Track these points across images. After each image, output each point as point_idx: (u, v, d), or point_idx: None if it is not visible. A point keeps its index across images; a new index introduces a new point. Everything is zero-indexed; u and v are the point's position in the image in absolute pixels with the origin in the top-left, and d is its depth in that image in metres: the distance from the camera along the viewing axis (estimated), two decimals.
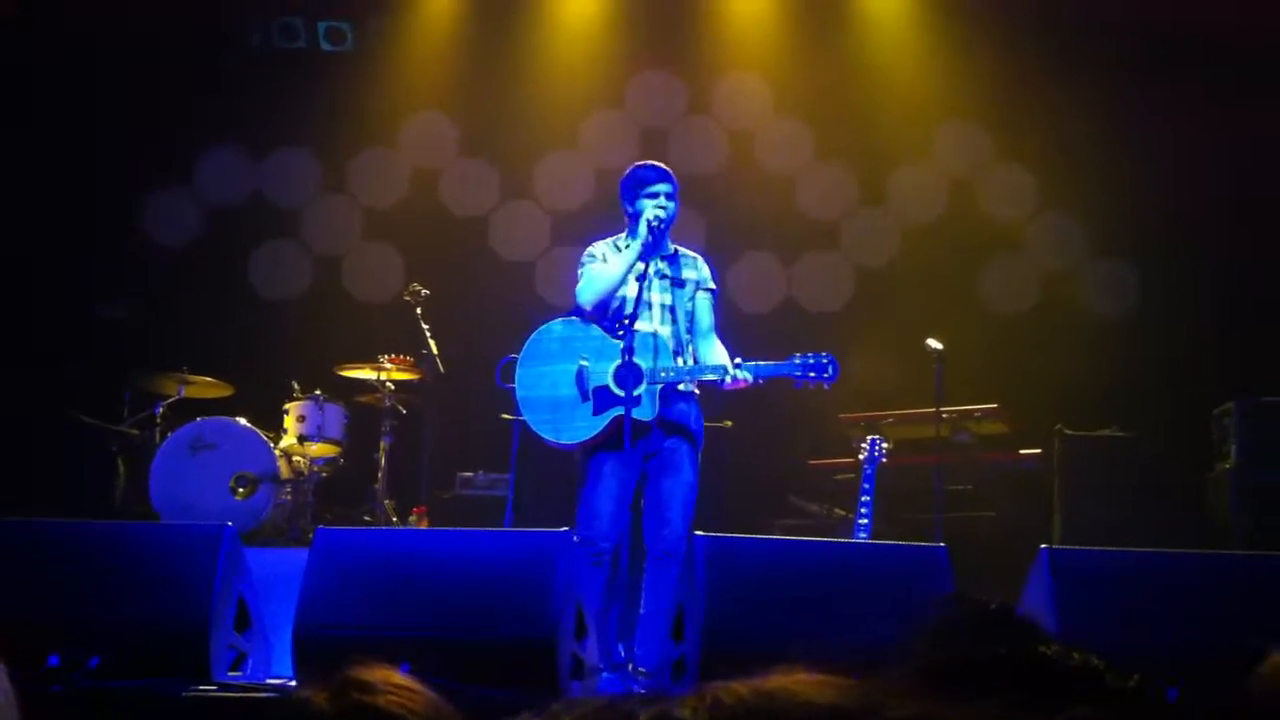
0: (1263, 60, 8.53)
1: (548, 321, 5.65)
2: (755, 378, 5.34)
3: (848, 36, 9.49)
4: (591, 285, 5.49)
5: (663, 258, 5.57)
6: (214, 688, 4.48)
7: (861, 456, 6.61)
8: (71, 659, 4.39)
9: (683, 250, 5.69)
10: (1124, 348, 8.45)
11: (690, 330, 5.54)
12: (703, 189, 9.20)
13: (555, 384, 5.47)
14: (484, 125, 9.57)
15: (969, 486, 7.64)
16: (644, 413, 5.29)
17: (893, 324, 8.40)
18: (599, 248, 5.66)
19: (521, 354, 5.59)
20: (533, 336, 5.59)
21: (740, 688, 0.76)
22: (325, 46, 9.51)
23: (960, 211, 9.19)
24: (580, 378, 5.43)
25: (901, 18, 9.39)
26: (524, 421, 5.58)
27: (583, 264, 5.62)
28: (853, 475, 6.79)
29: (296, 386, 7.88)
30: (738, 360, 5.40)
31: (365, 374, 7.86)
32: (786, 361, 5.36)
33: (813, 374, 5.35)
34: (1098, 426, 7.74)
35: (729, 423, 7.44)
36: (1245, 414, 7.25)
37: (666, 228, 5.56)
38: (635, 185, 5.62)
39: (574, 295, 5.60)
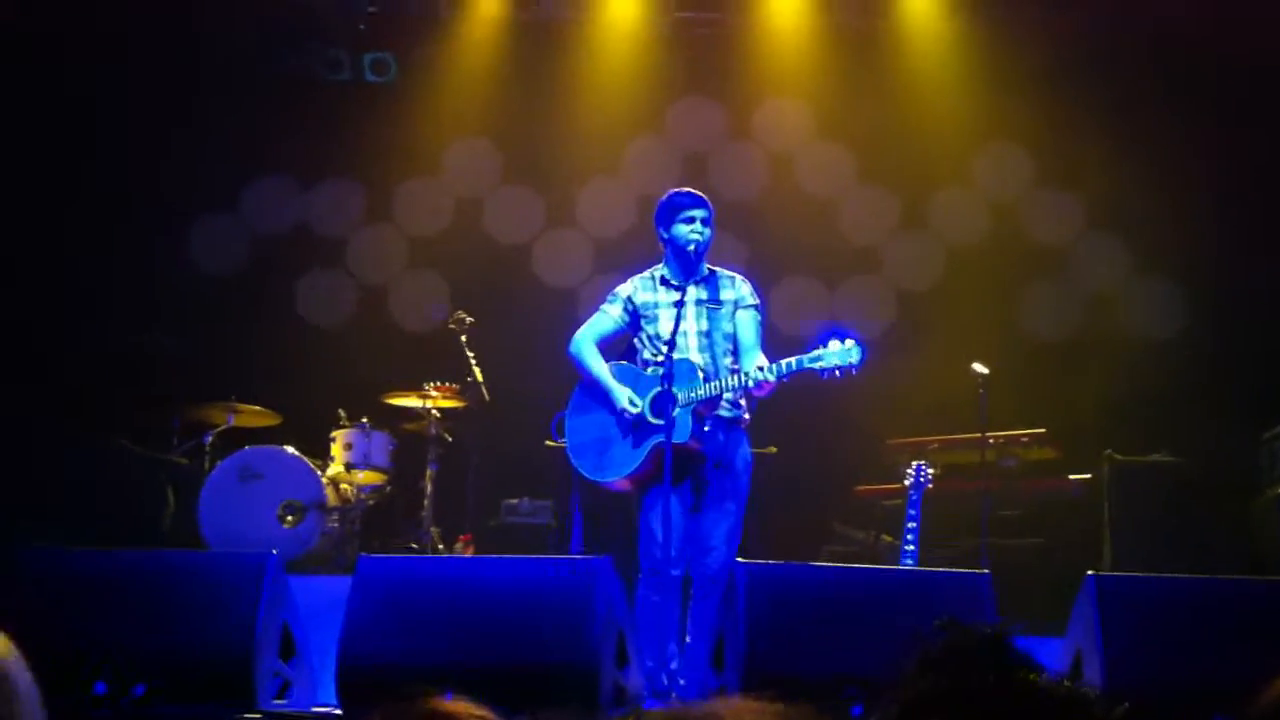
0: None
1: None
2: (779, 378, 5.20)
3: (888, 59, 9.48)
4: (580, 358, 5.58)
5: (698, 282, 5.54)
6: (259, 716, 4.51)
7: (907, 482, 6.56)
8: (117, 687, 4.43)
9: (720, 271, 5.66)
10: (1172, 371, 8.35)
11: (733, 352, 5.48)
12: (744, 213, 9.21)
13: (601, 426, 5.53)
14: (527, 153, 9.63)
15: (1017, 512, 7.58)
16: (680, 435, 5.24)
17: (937, 348, 8.35)
18: (626, 288, 5.67)
19: (568, 406, 5.67)
20: (576, 389, 5.66)
21: (662, 713, 0.77)
22: (370, 78, 9.61)
23: (1003, 235, 9.14)
24: (621, 417, 5.47)
25: (942, 40, 9.37)
26: (581, 474, 5.64)
27: (604, 302, 5.68)
28: (899, 501, 6.74)
29: (343, 414, 7.94)
30: (760, 364, 5.29)
31: (411, 402, 7.90)
32: (810, 354, 5.19)
33: (838, 362, 5.15)
34: (1147, 451, 7.66)
35: (774, 449, 7.43)
36: None
37: (703, 252, 5.53)
38: (671, 211, 5.62)
39: (573, 338, 5.67)
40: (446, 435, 7.90)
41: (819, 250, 9.34)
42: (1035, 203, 9.15)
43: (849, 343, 5.16)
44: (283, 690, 4.84)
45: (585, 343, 5.60)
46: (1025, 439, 7.63)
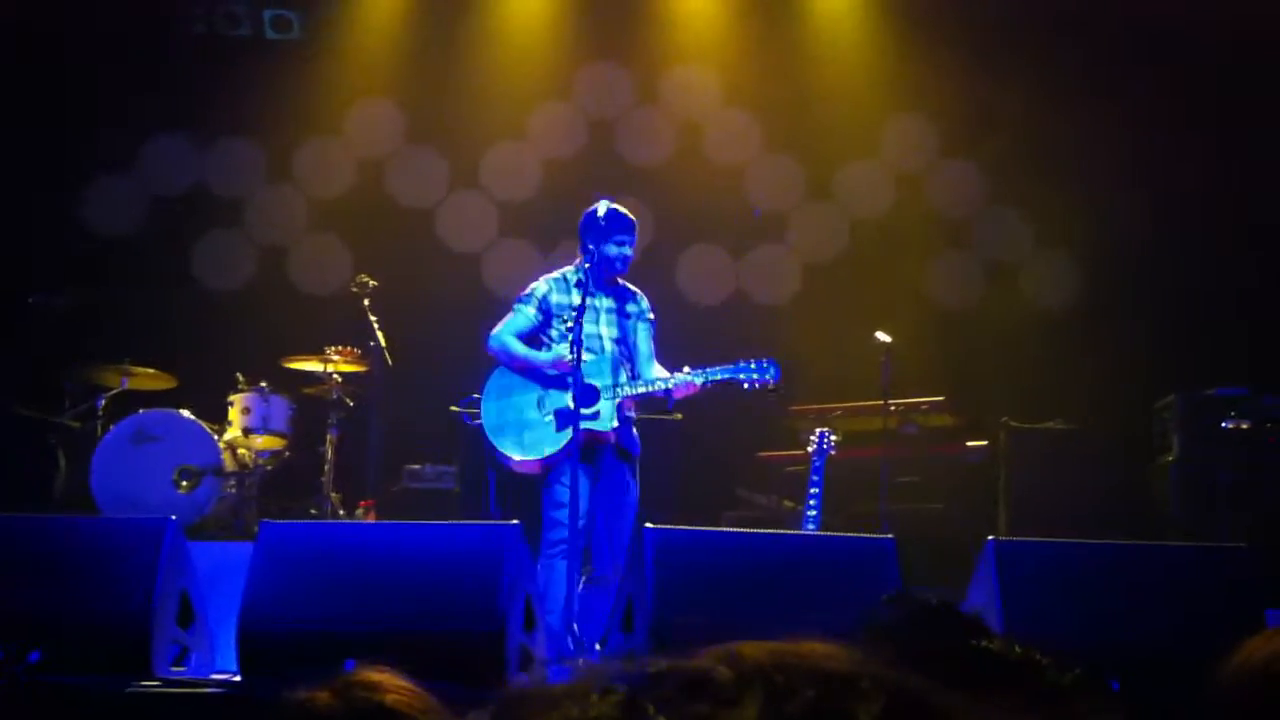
0: (1211, 50, 8.64)
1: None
2: (703, 383, 5.72)
3: (796, 29, 9.52)
4: (506, 349, 5.92)
5: (608, 293, 5.97)
6: (157, 682, 4.43)
7: (810, 449, 6.64)
8: (11, 653, 4.31)
9: (625, 285, 6.06)
10: (1069, 341, 8.55)
11: (634, 361, 5.93)
12: (651, 181, 9.20)
13: (520, 409, 5.88)
14: (431, 115, 9.51)
15: (916, 478, 7.71)
16: (604, 424, 5.69)
17: (841, 317, 8.44)
18: (540, 288, 5.99)
19: (485, 390, 5.98)
20: (494, 373, 5.99)
21: (756, 647, 0.76)
22: (271, 34, 9.40)
23: (907, 206, 9.25)
24: (541, 403, 5.85)
25: (850, 11, 9.43)
26: (497, 452, 5.93)
27: (518, 302, 6.02)
28: (802, 467, 6.81)
29: (241, 378, 7.78)
30: (685, 368, 5.77)
31: (312, 366, 7.77)
32: (732, 365, 5.73)
33: (756, 376, 5.72)
34: (1043, 419, 7.82)
35: (679, 415, 7.45)
36: (1187, 407, 7.36)
37: (625, 271, 5.97)
38: (604, 229, 5.85)
39: (492, 333, 5.98)
40: (348, 400, 7.79)
41: (725, 218, 9.37)
42: (939, 175, 9.27)
43: (766, 361, 5.76)
44: (181, 657, 4.76)
45: (505, 336, 5.93)
46: (925, 406, 7.75)
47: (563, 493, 5.64)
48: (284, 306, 8.94)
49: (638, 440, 5.94)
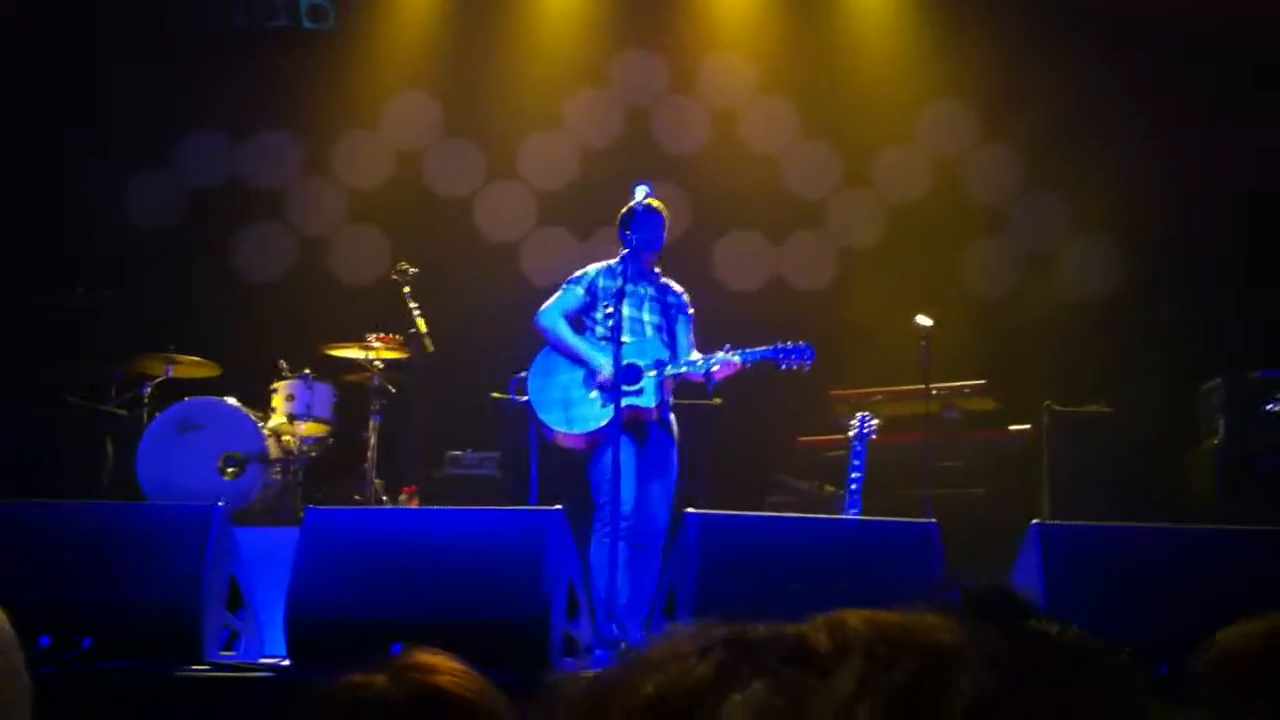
0: (1246, 41, 8.55)
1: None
2: (743, 363, 5.93)
3: (831, 15, 9.49)
4: (555, 330, 6.14)
5: (651, 284, 6.21)
6: (207, 667, 4.49)
7: (851, 433, 6.62)
8: (63, 640, 4.38)
9: (667, 281, 6.29)
10: (1111, 324, 8.49)
11: (675, 351, 6.16)
12: (688, 168, 9.20)
13: (565, 387, 6.09)
14: (468, 105, 9.54)
15: (958, 463, 7.67)
16: (648, 400, 5.91)
17: (880, 302, 8.41)
18: (590, 272, 6.21)
19: (531, 368, 6.20)
20: (541, 352, 6.21)
21: (859, 616, 0.77)
22: (307, 25, 9.45)
23: (946, 192, 9.21)
24: (586, 380, 6.02)
25: None
26: (541, 422, 6.15)
27: (568, 283, 6.23)
28: (843, 452, 6.80)
29: (284, 366, 7.84)
30: (726, 347, 5.99)
31: (353, 353, 7.81)
32: (770, 348, 5.92)
33: (794, 357, 5.91)
34: (1085, 403, 7.78)
35: (719, 400, 7.46)
36: (1231, 390, 7.30)
37: (656, 250, 6.17)
38: (636, 222, 6.10)
39: (542, 310, 6.21)
40: (390, 386, 7.83)
41: (763, 205, 9.35)
42: (978, 161, 9.22)
43: (804, 345, 5.96)
44: (230, 642, 4.81)
45: (555, 315, 6.15)
46: (967, 390, 7.72)
47: (608, 468, 5.74)
48: (325, 296, 9.00)
49: (675, 424, 6.12)
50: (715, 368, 5.92)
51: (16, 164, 8.87)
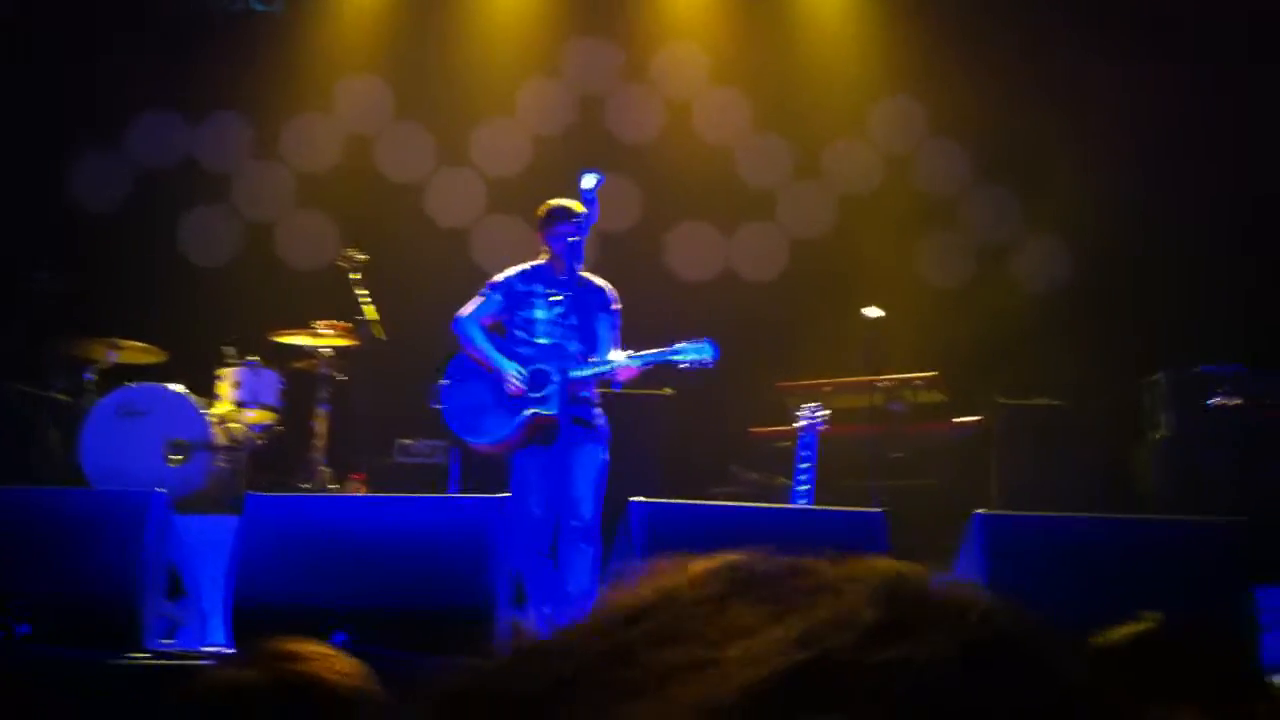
0: (1203, 28, 8.65)
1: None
2: (641, 365, 5.87)
3: (786, 7, 9.50)
4: (468, 336, 6.12)
5: (571, 285, 6.11)
6: (146, 655, 4.43)
7: (799, 425, 6.63)
8: (1, 626, 4.31)
9: (589, 277, 6.21)
10: (1057, 318, 8.56)
11: (596, 349, 6.06)
12: (640, 158, 9.19)
13: (476, 394, 6.06)
14: (420, 90, 9.47)
15: (906, 454, 7.71)
16: (551, 407, 5.87)
17: (830, 294, 8.44)
18: (508, 275, 6.18)
19: (446, 375, 6.20)
20: (455, 357, 6.18)
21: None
22: (256, 6, 9.35)
23: (897, 184, 9.24)
24: (496, 387, 6.04)
25: None
26: (456, 435, 6.23)
27: (484, 292, 6.20)
28: (792, 443, 6.81)
29: (231, 352, 7.75)
30: (628, 351, 5.92)
31: (301, 340, 7.75)
32: (669, 349, 5.85)
33: (692, 357, 5.83)
34: (1033, 396, 7.84)
35: (669, 390, 7.45)
36: (1174, 384, 7.38)
37: (579, 259, 6.10)
38: (554, 223, 6.09)
39: (458, 315, 6.18)
40: (337, 374, 7.77)
41: (714, 196, 9.35)
42: (928, 154, 9.26)
43: (703, 343, 5.84)
44: (171, 630, 4.76)
45: (471, 322, 6.13)
46: (917, 382, 7.75)
47: (520, 479, 5.89)
48: (273, 281, 8.91)
49: (598, 415, 6.04)
50: (612, 368, 5.89)
51: None
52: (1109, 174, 8.65)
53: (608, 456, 5.98)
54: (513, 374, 5.93)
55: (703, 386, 7.67)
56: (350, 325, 7.65)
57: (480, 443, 6.06)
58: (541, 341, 6.00)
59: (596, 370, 5.93)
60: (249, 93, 9.30)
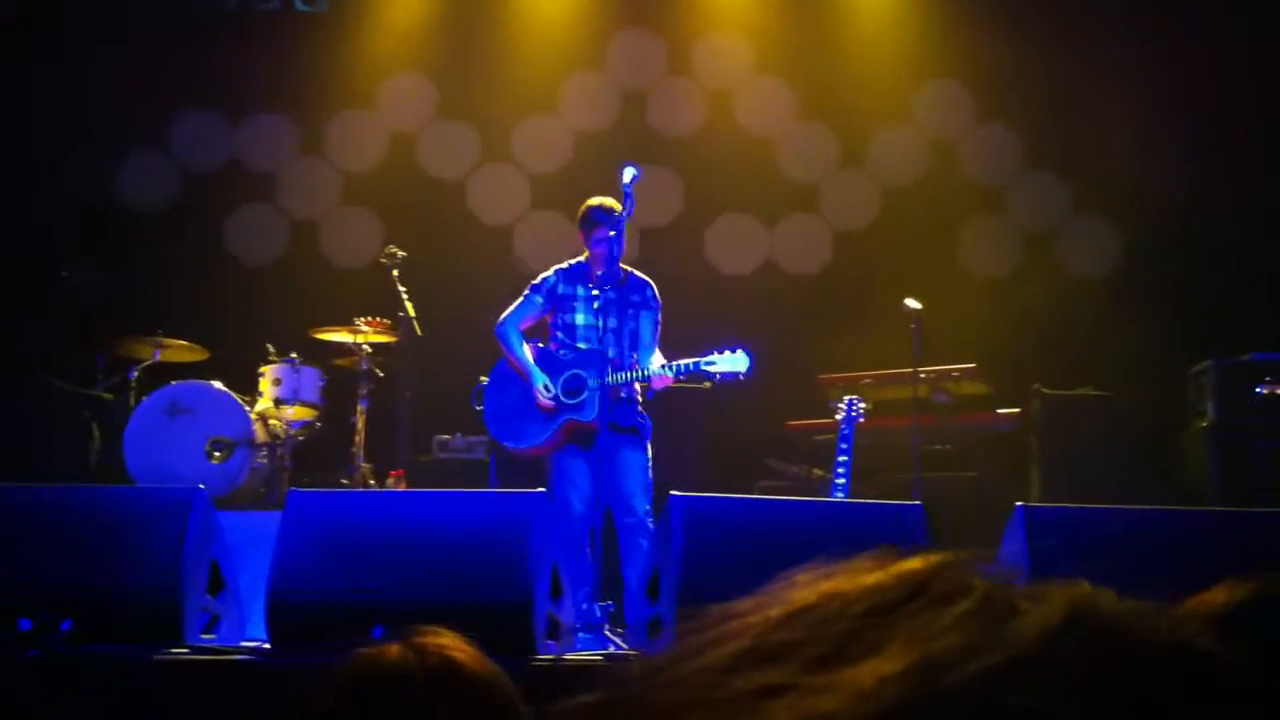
0: (1248, 22, 8.51)
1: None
2: (675, 375, 5.91)
3: None
4: (507, 341, 6.16)
5: (613, 283, 6.15)
6: (186, 650, 4.46)
7: (839, 417, 6.59)
8: (43, 623, 4.36)
9: (633, 274, 6.23)
10: (1101, 307, 8.46)
11: (635, 347, 6.10)
12: (682, 150, 9.16)
13: (516, 398, 6.12)
14: (462, 87, 9.50)
15: (948, 446, 7.65)
16: (588, 414, 5.92)
17: (872, 286, 8.38)
18: (550, 277, 6.20)
19: (490, 376, 6.28)
20: (499, 362, 6.25)
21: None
22: (300, 6, 9.41)
23: (941, 173, 9.16)
24: (536, 393, 6.08)
25: None
26: (495, 440, 6.30)
27: (528, 292, 6.23)
28: (831, 436, 6.77)
29: (272, 349, 7.81)
30: (662, 362, 5.97)
31: (341, 337, 7.79)
32: (704, 358, 5.88)
33: (728, 368, 5.87)
34: (1075, 386, 7.75)
35: (708, 384, 7.42)
36: (1221, 373, 7.27)
37: (618, 258, 6.12)
38: (593, 222, 6.14)
39: (500, 319, 6.22)
40: (378, 370, 7.81)
41: (757, 187, 9.31)
42: (973, 141, 9.17)
43: (739, 353, 5.88)
44: (211, 625, 4.79)
45: (511, 327, 6.18)
46: (956, 373, 7.68)
47: (557, 481, 5.96)
48: (315, 279, 8.97)
49: (640, 414, 6.08)
50: (650, 374, 5.93)
51: (9, 143, 8.83)
52: (1158, 158, 8.53)
53: (650, 453, 6.01)
54: (540, 387, 6.00)
55: (743, 380, 7.65)
56: (390, 322, 7.68)
57: (518, 446, 6.13)
58: (581, 346, 6.06)
59: (631, 378, 5.98)
60: (293, 91, 9.37)
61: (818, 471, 7.59)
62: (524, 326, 6.19)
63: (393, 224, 9.02)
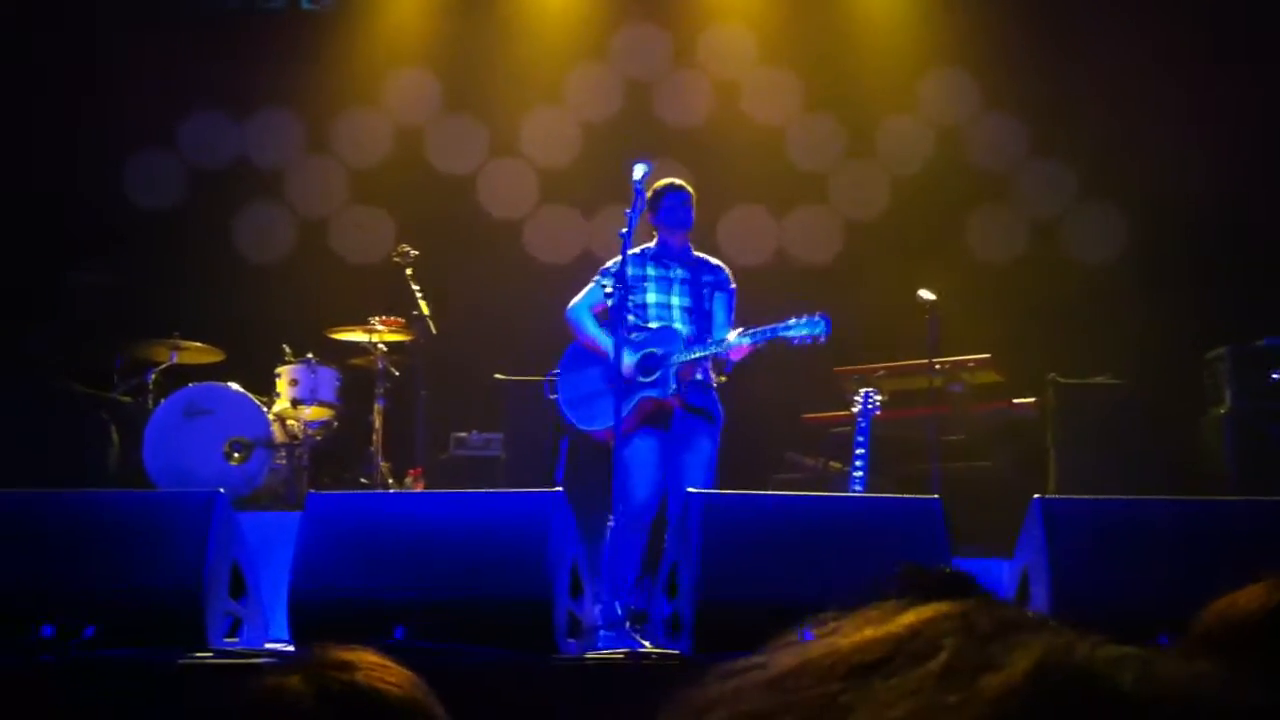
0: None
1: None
2: (754, 342, 5.87)
3: None
4: (578, 323, 6.22)
5: (684, 264, 6.23)
6: (209, 654, 4.48)
7: (855, 409, 6.60)
8: (66, 629, 4.38)
9: (704, 257, 6.33)
10: (1116, 294, 8.44)
11: (709, 330, 6.14)
12: (689, 142, 9.15)
13: (590, 382, 6.14)
14: (468, 82, 9.49)
15: (963, 437, 7.65)
16: (663, 390, 5.96)
17: (884, 276, 8.36)
18: (618, 262, 6.10)
19: (560, 365, 6.31)
20: (569, 348, 6.30)
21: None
22: (306, 5, 9.41)
23: (949, 161, 9.14)
24: (610, 373, 6.02)
25: None
26: (572, 424, 6.27)
27: (597, 277, 6.24)
28: (848, 428, 6.78)
29: (288, 350, 7.83)
30: (737, 330, 5.98)
31: (357, 336, 7.81)
32: (782, 324, 5.82)
33: (806, 332, 5.79)
34: (1090, 374, 7.74)
35: (723, 377, 7.41)
36: (1238, 358, 7.25)
37: (683, 229, 6.24)
38: (662, 202, 6.22)
39: (570, 304, 6.27)
40: (394, 369, 7.83)
41: (766, 178, 9.30)
42: (981, 128, 9.15)
43: (816, 317, 5.83)
44: (234, 628, 4.81)
45: (583, 310, 6.23)
46: (971, 364, 7.68)
47: (628, 460, 5.89)
48: (328, 278, 8.98)
49: (716, 402, 6.11)
50: (726, 349, 5.95)
51: (15, 145, 8.85)
52: (1170, 142, 8.50)
53: (717, 449, 6.05)
54: (620, 356, 5.92)
55: (759, 373, 7.65)
56: (405, 320, 7.69)
57: (595, 428, 6.09)
58: (653, 326, 6.08)
59: (707, 352, 5.98)
60: (300, 89, 9.36)
61: (835, 464, 7.60)
62: (595, 311, 6.20)
63: (402, 221, 9.02)
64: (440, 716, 1.71)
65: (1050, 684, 0.64)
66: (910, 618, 0.72)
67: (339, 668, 1.64)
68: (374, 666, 1.68)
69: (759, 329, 5.88)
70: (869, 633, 0.72)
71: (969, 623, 0.70)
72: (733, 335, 5.93)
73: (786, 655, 0.74)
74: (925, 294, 6.95)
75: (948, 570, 1.18)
